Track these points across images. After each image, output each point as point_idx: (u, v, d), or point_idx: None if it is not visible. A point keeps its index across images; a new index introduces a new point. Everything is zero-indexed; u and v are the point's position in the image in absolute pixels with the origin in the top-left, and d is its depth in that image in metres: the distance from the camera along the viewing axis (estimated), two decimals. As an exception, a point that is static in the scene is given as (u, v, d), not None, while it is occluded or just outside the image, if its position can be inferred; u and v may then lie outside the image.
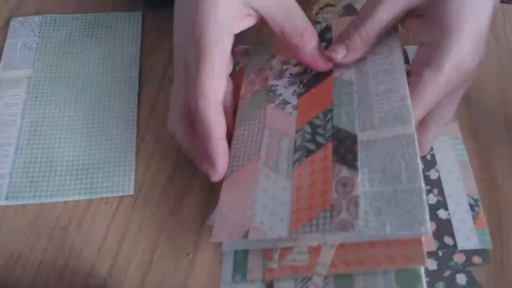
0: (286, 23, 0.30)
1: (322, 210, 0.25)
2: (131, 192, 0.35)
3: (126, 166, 0.36)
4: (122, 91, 0.39)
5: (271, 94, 0.33)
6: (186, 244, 0.33)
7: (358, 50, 0.30)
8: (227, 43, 0.29)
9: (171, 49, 0.41)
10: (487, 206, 0.34)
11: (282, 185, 0.28)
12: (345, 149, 0.27)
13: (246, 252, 0.28)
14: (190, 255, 0.32)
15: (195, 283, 0.31)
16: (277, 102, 0.32)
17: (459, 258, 0.30)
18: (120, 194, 0.35)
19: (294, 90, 0.32)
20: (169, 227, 0.33)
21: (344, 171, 0.26)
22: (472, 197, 0.32)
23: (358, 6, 0.38)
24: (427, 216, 0.22)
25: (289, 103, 0.32)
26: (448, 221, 0.31)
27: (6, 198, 0.34)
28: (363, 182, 0.25)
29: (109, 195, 0.35)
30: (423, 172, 0.31)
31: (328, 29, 0.34)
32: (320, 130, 0.29)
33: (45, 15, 0.43)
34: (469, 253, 0.30)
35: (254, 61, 0.36)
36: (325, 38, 0.34)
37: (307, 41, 0.30)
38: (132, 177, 0.35)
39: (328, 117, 0.29)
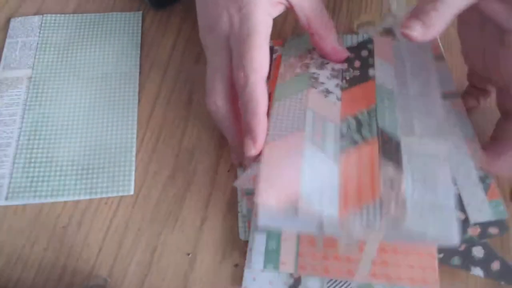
0: (313, 14, 0.33)
1: (371, 201, 0.27)
2: (131, 192, 0.35)
3: (126, 166, 0.36)
4: (122, 91, 0.39)
5: (313, 80, 0.33)
6: (186, 244, 0.33)
7: (434, 27, 0.28)
8: (269, 24, 0.31)
9: (171, 48, 0.42)
10: (487, 206, 0.34)
11: (329, 167, 0.29)
12: (391, 149, 0.29)
13: (278, 242, 0.30)
14: (190, 255, 0.32)
15: (195, 283, 0.31)
16: (320, 88, 0.33)
17: (473, 231, 0.29)
18: (120, 194, 0.35)
19: (337, 84, 0.33)
20: (169, 227, 0.33)
21: (391, 170, 0.28)
22: (482, 170, 0.31)
23: (397, 32, 0.39)
24: (458, 231, 0.25)
25: (332, 93, 0.32)
26: (457, 196, 0.30)
27: (6, 198, 0.34)
28: (407, 186, 0.27)
29: (109, 195, 0.35)
30: None
31: (370, 40, 0.36)
32: (365, 126, 0.30)
33: (45, 15, 0.43)
34: (484, 225, 0.29)
35: (292, 48, 0.37)
36: (367, 47, 0.35)
37: (329, 32, 0.33)
38: (132, 177, 0.35)
39: (372, 115, 0.31)
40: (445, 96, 0.32)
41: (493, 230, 0.30)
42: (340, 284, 0.29)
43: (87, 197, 0.35)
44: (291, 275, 0.29)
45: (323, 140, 0.30)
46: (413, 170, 0.28)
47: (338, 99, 0.32)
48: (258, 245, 0.30)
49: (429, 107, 0.31)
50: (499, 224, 0.30)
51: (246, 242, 0.32)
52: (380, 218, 0.26)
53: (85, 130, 0.37)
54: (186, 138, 0.37)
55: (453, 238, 0.25)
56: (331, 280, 0.29)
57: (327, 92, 0.32)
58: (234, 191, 0.34)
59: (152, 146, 0.37)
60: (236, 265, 0.32)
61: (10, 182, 0.35)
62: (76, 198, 0.35)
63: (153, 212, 0.34)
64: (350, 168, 0.29)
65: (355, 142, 0.30)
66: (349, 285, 0.29)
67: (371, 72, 0.33)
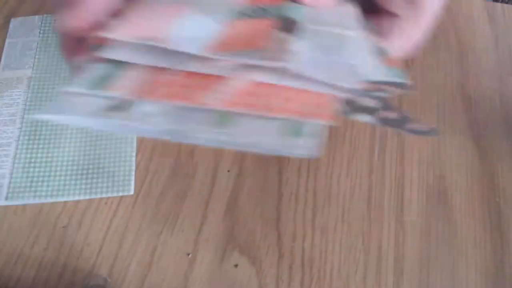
0: None
1: (249, 48, 0.23)
2: (131, 192, 0.35)
3: (126, 166, 0.36)
4: (122, 91, 0.39)
5: None
6: (186, 244, 0.33)
7: None
8: None
9: (171, 49, 0.42)
10: (487, 206, 0.34)
11: (210, 26, 0.24)
12: (288, 24, 0.26)
13: (116, 69, 0.23)
14: (190, 255, 0.32)
15: (195, 283, 0.31)
16: None
17: (372, 87, 0.27)
18: (120, 194, 0.35)
19: None
20: (169, 227, 0.33)
21: (283, 34, 0.25)
22: (377, 46, 0.29)
23: None
24: (354, 79, 0.23)
25: None
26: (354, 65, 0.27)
27: (6, 198, 0.34)
28: (301, 47, 0.24)
29: (109, 195, 0.35)
30: None
31: None
32: (267, 12, 0.27)
33: (45, 15, 0.43)
34: (381, 83, 0.27)
35: None
36: None
37: None
38: (132, 177, 0.35)
39: (277, 8, 0.28)
40: None
41: (390, 88, 0.28)
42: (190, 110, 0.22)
43: (87, 197, 0.35)
44: (119, 99, 0.22)
45: (211, 9, 0.26)
46: (311, 40, 0.25)
47: None
48: (89, 70, 0.22)
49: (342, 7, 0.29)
50: (398, 84, 0.27)
51: (246, 242, 0.32)
52: (259, 56, 0.22)
53: (85, 130, 0.37)
54: (186, 138, 0.37)
55: (348, 82, 0.23)
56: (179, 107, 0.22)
57: None
58: (234, 191, 0.34)
59: (152, 146, 0.37)
60: (236, 265, 0.32)
61: (10, 182, 0.35)
62: (76, 198, 0.35)
63: (153, 212, 0.34)
64: (235, 30, 0.25)
65: (249, 16, 0.27)
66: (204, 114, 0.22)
67: None
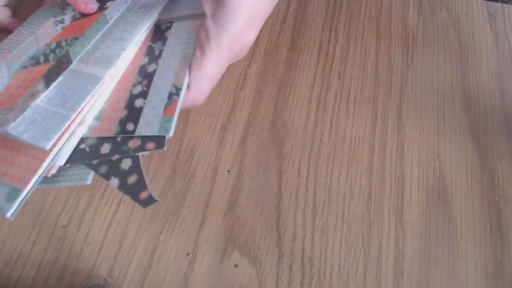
0: None
1: (3, 108, 0.28)
2: (131, 192, 0.35)
3: (126, 166, 0.36)
4: (122, 91, 0.39)
5: (60, 11, 0.35)
6: (186, 244, 0.33)
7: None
8: None
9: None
10: (486, 206, 0.34)
11: (3, 81, 0.30)
12: (57, 70, 0.30)
13: None
14: (190, 255, 0.32)
15: (195, 283, 0.31)
16: (56, 19, 0.35)
17: (133, 144, 0.29)
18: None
19: (75, 15, 0.35)
20: (169, 227, 0.33)
21: (40, 85, 0.29)
22: (175, 86, 0.30)
23: None
24: (55, 137, 0.26)
25: (63, 23, 0.34)
26: (140, 109, 0.30)
27: (6, 198, 0.34)
28: (45, 99, 0.28)
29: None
30: (146, 66, 0.32)
31: None
32: (59, 51, 0.32)
33: (45, 15, 0.43)
34: (144, 139, 0.29)
35: None
36: None
37: None
38: (132, 177, 0.35)
39: (71, 43, 0.32)
40: (190, 17, 0.33)
41: (150, 145, 0.28)
42: None
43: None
44: None
45: (17, 60, 0.31)
46: (62, 86, 0.29)
47: (63, 28, 0.34)
48: None
49: (127, 35, 0.32)
50: (158, 139, 0.29)
51: (246, 242, 0.32)
52: None
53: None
54: (186, 138, 0.37)
55: (44, 144, 0.26)
56: None
57: (61, 21, 0.34)
58: (234, 191, 0.34)
59: (152, 146, 0.37)
60: (236, 265, 0.32)
61: (10, 182, 0.35)
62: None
63: (153, 212, 0.34)
64: (14, 84, 0.29)
65: (37, 63, 0.31)
66: None
67: (107, 4, 0.34)
